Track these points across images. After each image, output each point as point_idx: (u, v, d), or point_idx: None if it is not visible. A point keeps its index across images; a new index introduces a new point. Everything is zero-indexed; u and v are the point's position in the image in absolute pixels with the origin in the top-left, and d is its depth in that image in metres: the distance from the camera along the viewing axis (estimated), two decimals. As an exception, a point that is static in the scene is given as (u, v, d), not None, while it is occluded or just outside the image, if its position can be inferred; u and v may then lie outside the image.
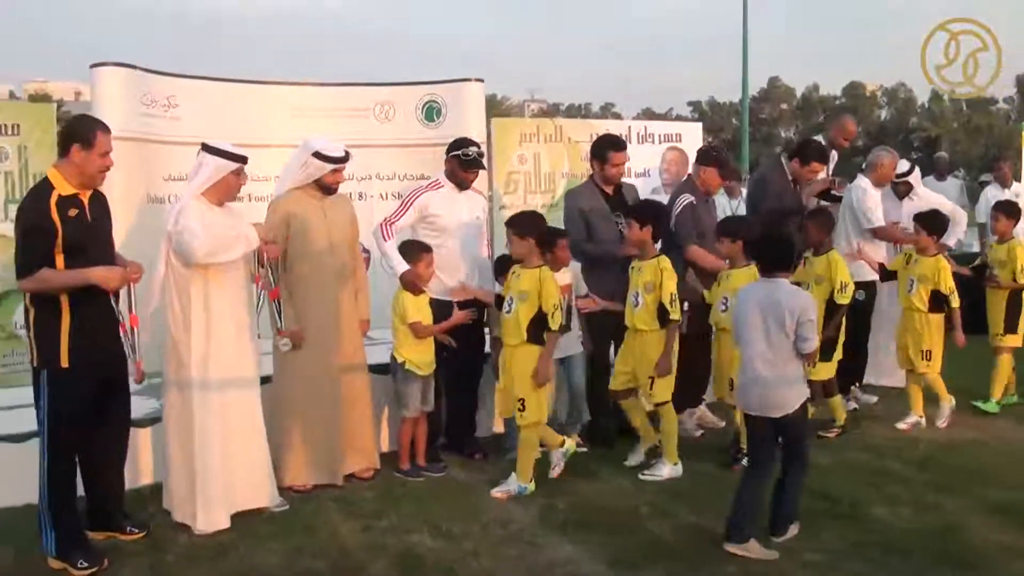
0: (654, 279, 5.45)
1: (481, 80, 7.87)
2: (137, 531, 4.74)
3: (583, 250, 6.03)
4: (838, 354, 6.30)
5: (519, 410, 5.17)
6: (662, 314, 5.45)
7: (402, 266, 5.50)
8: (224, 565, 4.41)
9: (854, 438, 6.26)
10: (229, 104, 7.20)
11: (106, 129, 4.50)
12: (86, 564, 4.35)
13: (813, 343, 4.43)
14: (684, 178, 6.96)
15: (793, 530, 4.55)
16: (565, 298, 5.65)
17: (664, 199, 6.73)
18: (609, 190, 6.19)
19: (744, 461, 5.21)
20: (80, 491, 4.61)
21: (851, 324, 6.45)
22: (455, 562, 4.38)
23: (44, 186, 4.39)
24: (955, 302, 6.43)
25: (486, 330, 6.06)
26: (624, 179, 6.43)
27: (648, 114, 64.80)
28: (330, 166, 5.31)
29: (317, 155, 5.29)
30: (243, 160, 4.91)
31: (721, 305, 5.69)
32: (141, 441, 5.33)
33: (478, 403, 6.12)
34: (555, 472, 5.39)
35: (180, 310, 4.79)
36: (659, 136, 8.58)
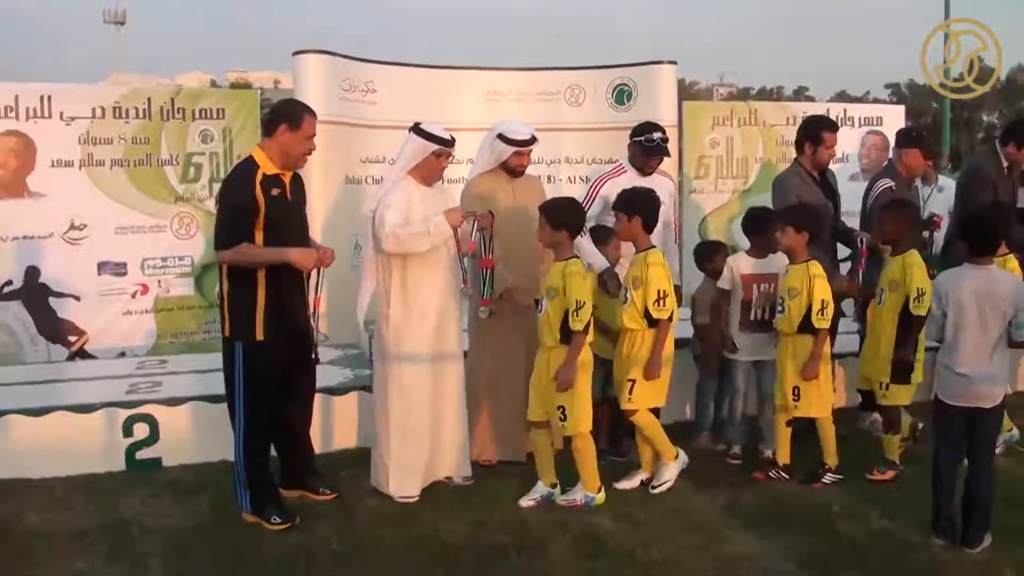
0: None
1: (674, 63, 7.79)
2: (328, 492, 4.99)
3: None
4: (917, 376, 5.29)
5: (560, 419, 4.81)
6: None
7: (602, 262, 5.40)
8: (410, 531, 4.57)
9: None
10: (424, 89, 7.46)
11: (313, 113, 4.68)
12: (279, 520, 4.61)
13: None
14: (884, 164, 6.66)
15: (987, 541, 4.31)
16: (771, 287, 5.48)
17: (862, 186, 6.48)
18: (816, 175, 5.98)
19: (826, 478, 5.16)
20: (273, 452, 4.90)
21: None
22: (637, 546, 4.37)
23: (249, 164, 4.58)
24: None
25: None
26: (837, 164, 6.20)
27: (844, 97, 62.37)
28: (513, 148, 5.36)
29: (501, 137, 5.36)
30: (444, 143, 4.96)
31: (779, 306, 5.26)
32: (337, 408, 5.62)
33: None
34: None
35: (384, 286, 4.98)
36: (859, 119, 8.29)
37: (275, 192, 4.54)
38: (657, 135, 5.75)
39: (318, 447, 5.25)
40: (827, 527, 4.61)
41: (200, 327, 7.43)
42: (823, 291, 5.08)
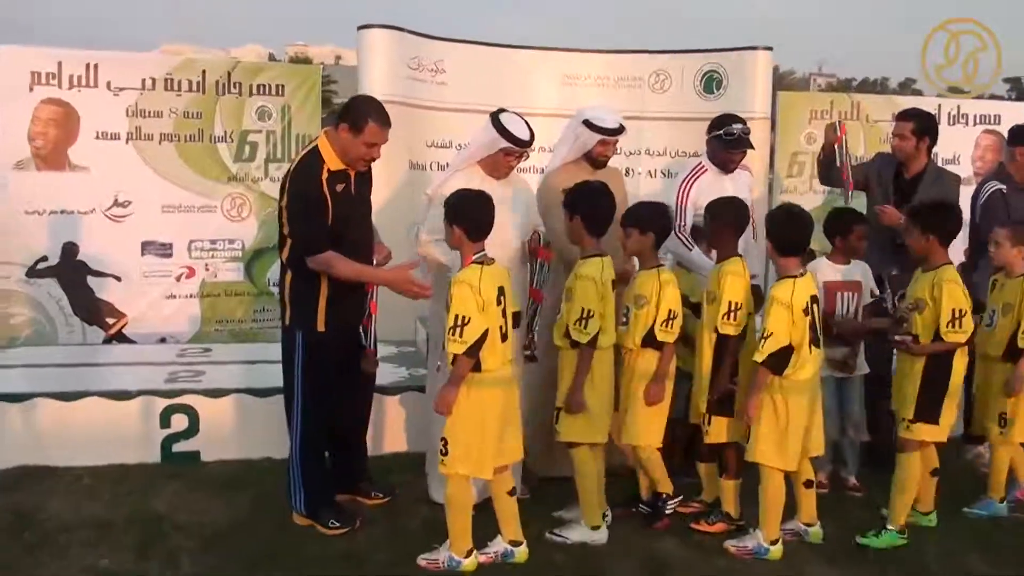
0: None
1: (769, 48, 7.72)
2: (381, 496, 5.09)
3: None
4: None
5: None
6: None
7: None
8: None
9: None
10: (497, 70, 7.49)
11: (381, 121, 4.65)
12: (337, 524, 4.71)
13: None
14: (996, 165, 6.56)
15: None
16: (855, 298, 5.44)
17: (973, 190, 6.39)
18: (907, 172, 5.87)
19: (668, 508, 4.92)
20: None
21: None
22: (704, 576, 4.37)
23: (315, 161, 4.62)
24: None
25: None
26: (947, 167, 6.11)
27: (956, 92, 61.34)
28: (599, 137, 5.34)
29: (587, 124, 5.35)
30: (517, 142, 4.90)
31: (623, 317, 4.92)
32: (389, 408, 5.70)
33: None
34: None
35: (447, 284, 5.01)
36: (973, 117, 8.16)
37: (339, 188, 4.64)
38: (737, 127, 5.65)
39: (368, 449, 5.30)
40: (918, 565, 4.56)
41: (248, 315, 7.59)
42: (673, 300, 4.87)
